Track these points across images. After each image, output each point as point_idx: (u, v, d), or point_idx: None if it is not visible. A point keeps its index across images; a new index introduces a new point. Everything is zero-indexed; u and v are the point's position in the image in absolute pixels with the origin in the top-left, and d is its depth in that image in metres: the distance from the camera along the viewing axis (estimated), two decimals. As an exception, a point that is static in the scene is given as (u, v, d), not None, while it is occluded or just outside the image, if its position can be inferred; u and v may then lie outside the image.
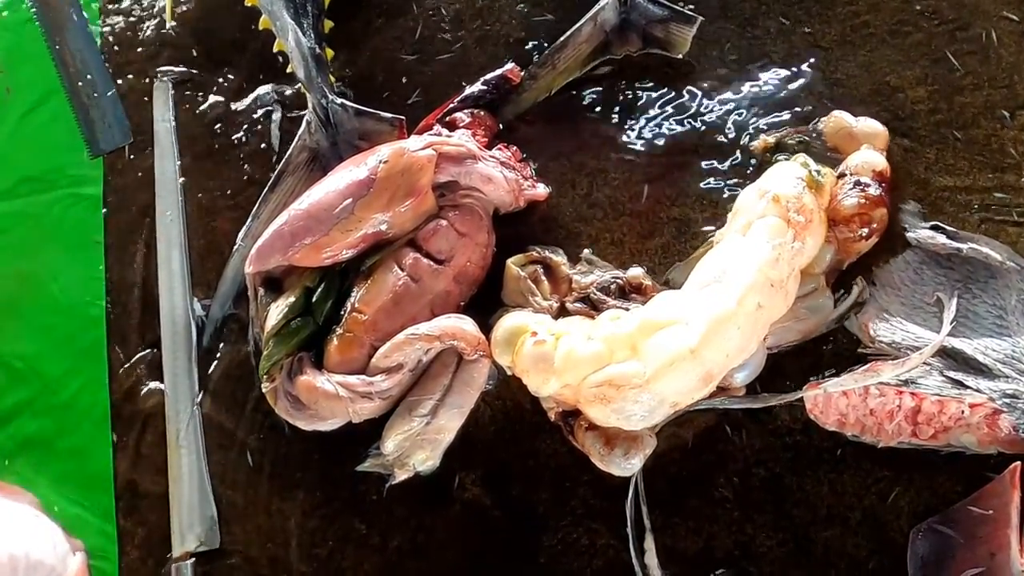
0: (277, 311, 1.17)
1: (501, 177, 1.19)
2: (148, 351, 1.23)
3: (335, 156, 1.26)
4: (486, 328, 1.12)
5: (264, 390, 1.14)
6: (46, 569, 1.01)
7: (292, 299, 1.17)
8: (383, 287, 1.15)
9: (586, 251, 1.19)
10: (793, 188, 1.09)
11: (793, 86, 1.23)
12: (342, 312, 1.15)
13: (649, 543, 1.05)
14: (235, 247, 1.26)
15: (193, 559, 1.11)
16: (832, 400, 1.07)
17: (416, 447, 1.11)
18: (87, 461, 1.19)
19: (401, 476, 1.11)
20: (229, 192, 1.30)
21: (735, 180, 1.19)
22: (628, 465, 1.05)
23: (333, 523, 1.13)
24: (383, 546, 1.11)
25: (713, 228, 1.17)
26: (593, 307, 1.14)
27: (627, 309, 1.10)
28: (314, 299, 1.17)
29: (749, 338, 1.03)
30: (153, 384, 1.21)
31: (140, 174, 1.32)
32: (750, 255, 1.04)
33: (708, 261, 1.07)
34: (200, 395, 1.20)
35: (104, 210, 1.30)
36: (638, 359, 1.02)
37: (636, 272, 1.17)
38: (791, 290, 1.06)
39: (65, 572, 1.02)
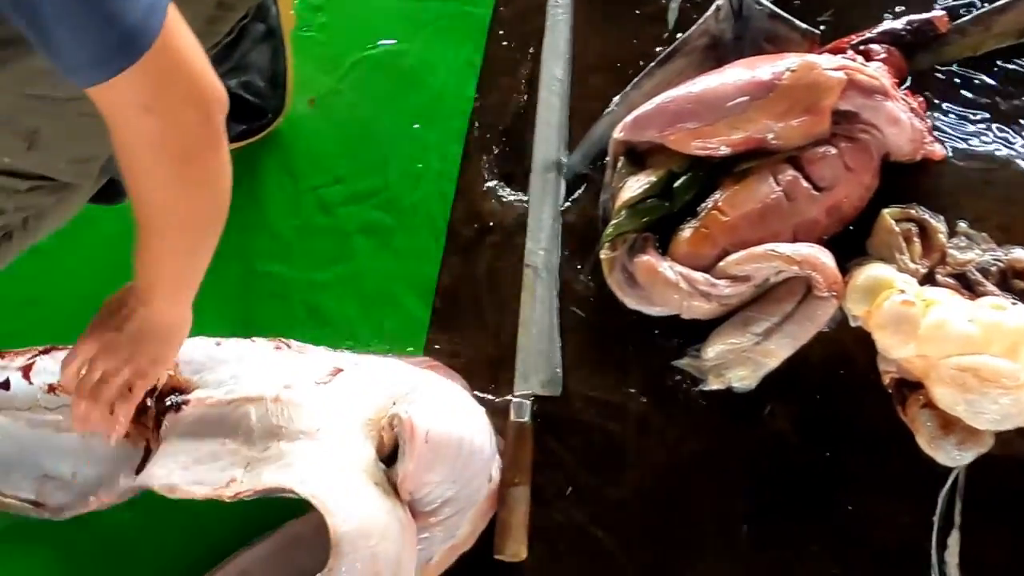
0: (636, 185, 1.16)
1: (908, 123, 1.12)
2: (498, 183, 1.25)
3: (735, 51, 1.21)
4: (841, 270, 1.08)
5: (602, 257, 1.15)
6: (483, 458, 1.07)
7: (654, 178, 1.16)
8: (753, 195, 1.11)
9: (962, 224, 1.11)
10: None
11: None
12: (701, 207, 1.13)
13: (953, 540, 1.01)
14: (607, 110, 1.25)
15: (533, 399, 1.14)
16: None
17: (738, 362, 1.09)
18: (416, 264, 1.23)
19: (714, 385, 1.10)
20: (614, 54, 1.28)
21: None
22: (957, 456, 1.00)
23: (638, 404, 1.14)
24: (677, 444, 1.11)
25: None
26: (967, 287, 1.07)
27: (1014, 302, 1.03)
28: (676, 185, 1.15)
29: None
30: (496, 215, 1.24)
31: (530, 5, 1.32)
32: None
33: None
34: (558, 244, 1.22)
35: (488, 34, 1.31)
36: (1017, 360, 0.96)
37: (1020, 254, 1.08)
38: None
39: (492, 466, 1.08)
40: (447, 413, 1.07)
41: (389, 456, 1.04)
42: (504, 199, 1.24)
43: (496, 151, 1.27)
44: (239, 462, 1.02)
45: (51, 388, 1.14)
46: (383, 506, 0.99)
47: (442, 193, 1.25)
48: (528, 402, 1.14)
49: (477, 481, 1.07)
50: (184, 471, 1.03)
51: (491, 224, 1.24)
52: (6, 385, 1.15)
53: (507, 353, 1.17)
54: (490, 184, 1.25)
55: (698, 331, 1.12)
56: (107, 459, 1.13)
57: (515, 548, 1.06)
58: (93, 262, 1.24)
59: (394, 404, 1.05)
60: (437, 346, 1.20)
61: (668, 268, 1.11)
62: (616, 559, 1.08)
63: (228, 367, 1.12)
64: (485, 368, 1.18)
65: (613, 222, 1.15)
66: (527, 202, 1.23)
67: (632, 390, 1.14)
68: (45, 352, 1.17)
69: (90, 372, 0.97)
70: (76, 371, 0.97)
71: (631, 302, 1.14)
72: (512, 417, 1.13)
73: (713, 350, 1.10)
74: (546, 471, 1.11)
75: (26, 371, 1.16)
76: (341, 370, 1.11)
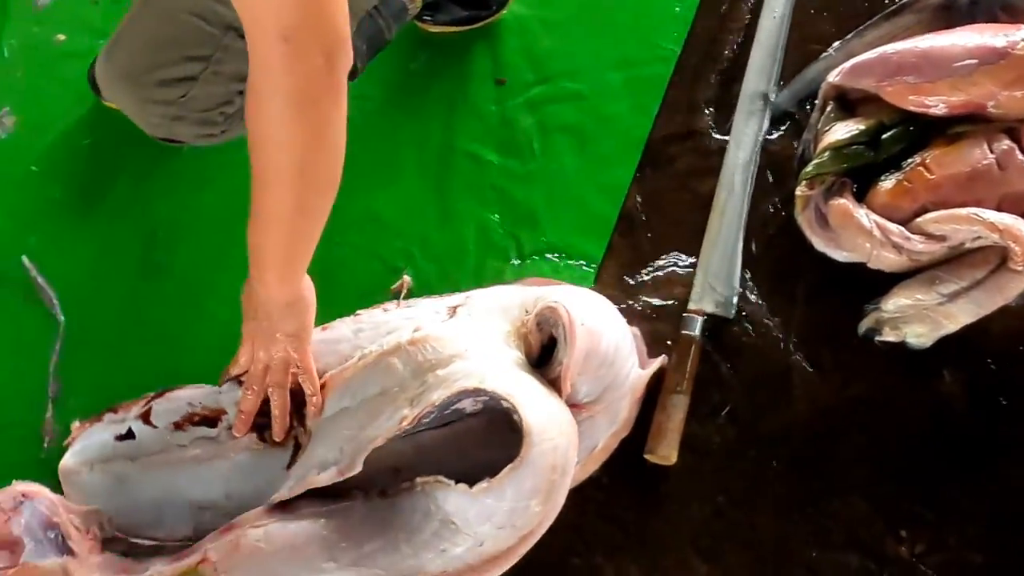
0: (844, 130, 1.16)
1: None
2: (703, 106, 1.27)
3: (968, 15, 1.20)
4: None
5: (797, 194, 1.16)
6: (629, 343, 1.11)
7: (863, 126, 1.16)
8: (964, 158, 1.11)
9: None
10: None
11: None
12: (907, 162, 1.13)
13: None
14: (824, 54, 1.25)
15: (705, 317, 1.17)
16: None
17: (918, 319, 1.10)
18: (610, 170, 1.26)
19: (888, 337, 1.11)
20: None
21: None
22: None
23: (807, 342, 1.16)
24: (841, 387, 1.13)
25: None
26: None
27: None
28: (884, 136, 1.15)
29: None
30: (696, 136, 1.26)
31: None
32: None
33: None
34: (754, 174, 1.23)
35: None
36: None
37: None
38: None
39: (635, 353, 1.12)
40: (590, 302, 1.12)
41: (538, 359, 1.09)
42: (706, 123, 1.26)
43: (706, 76, 1.28)
44: (402, 404, 1.04)
45: (177, 425, 1.16)
46: (556, 402, 1.04)
47: (645, 106, 1.28)
48: (700, 319, 1.16)
49: (628, 365, 1.11)
50: (350, 442, 1.06)
51: (689, 144, 1.26)
52: (130, 435, 1.16)
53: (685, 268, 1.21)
54: (695, 106, 1.27)
55: (877, 283, 1.13)
56: (259, 469, 1.14)
57: (666, 451, 1.10)
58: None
59: (533, 309, 1.09)
60: (617, 250, 1.23)
61: (864, 215, 1.12)
62: (758, 482, 1.11)
63: (348, 343, 1.16)
64: (670, 277, 1.21)
65: (815, 161, 1.16)
66: (728, 129, 1.25)
67: (804, 327, 1.15)
68: (158, 396, 1.17)
69: (253, 366, 1.07)
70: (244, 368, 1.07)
71: (818, 243, 1.15)
72: (683, 330, 1.16)
73: (894, 303, 1.11)
74: (707, 387, 1.14)
75: (145, 417, 1.17)
76: (458, 306, 1.15)
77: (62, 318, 1.25)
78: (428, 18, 1.30)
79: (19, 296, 1.26)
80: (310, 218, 0.92)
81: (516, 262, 1.24)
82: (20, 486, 1.09)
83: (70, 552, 1.08)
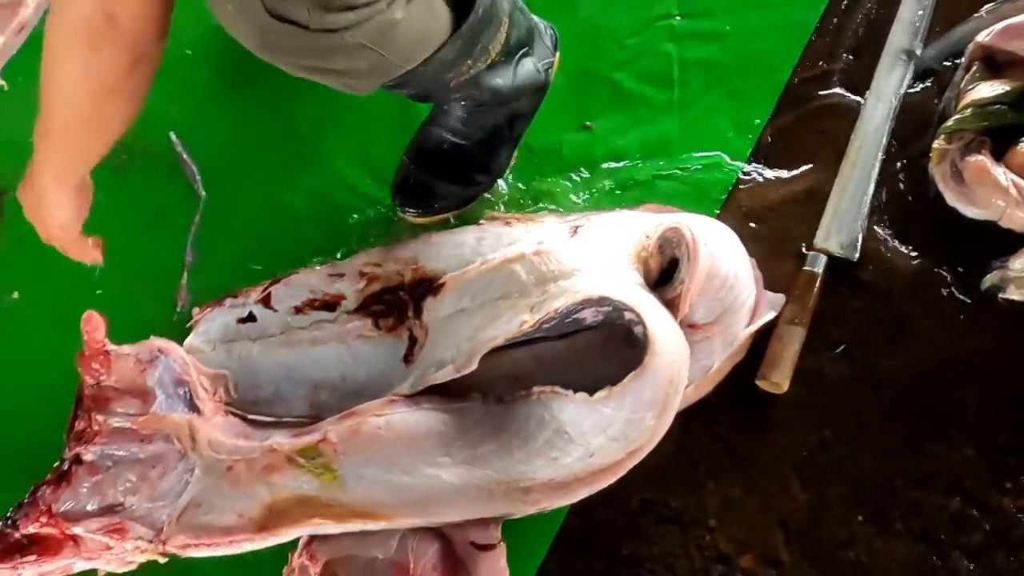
0: (989, 89, 1.17)
1: None
2: (846, 56, 1.28)
3: None
4: None
5: (935, 147, 1.17)
6: (748, 271, 1.13)
7: (1008, 87, 1.16)
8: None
9: None
10: None
11: None
12: (1051, 125, 1.14)
13: None
14: (975, 15, 1.25)
15: (827, 258, 1.18)
16: None
17: (1043, 279, 1.11)
18: (746, 106, 1.28)
19: (1013, 295, 1.11)
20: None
21: None
22: None
23: (929, 290, 1.17)
24: (959, 338, 1.14)
25: None
26: None
27: None
28: (1030, 99, 1.16)
29: None
30: (837, 83, 1.28)
31: None
32: None
33: None
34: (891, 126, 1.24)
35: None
36: None
37: None
38: None
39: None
40: (713, 227, 1.15)
41: (656, 283, 1.11)
42: (848, 72, 1.27)
43: (851, 26, 1.29)
44: (522, 310, 1.07)
45: (296, 309, 1.21)
46: (674, 321, 1.06)
47: (787, 49, 1.29)
48: (824, 257, 1.18)
49: (747, 291, 1.13)
50: (468, 341, 1.09)
51: (830, 91, 1.27)
52: (252, 318, 1.22)
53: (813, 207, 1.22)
54: (836, 54, 1.28)
55: (1003, 243, 1.13)
56: (374, 357, 1.18)
57: (779, 379, 1.12)
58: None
59: (654, 233, 1.11)
60: (744, 186, 1.25)
61: (1002, 174, 1.12)
62: (867, 420, 1.12)
63: (469, 248, 1.19)
64: (793, 215, 1.23)
65: (956, 117, 1.17)
66: (869, 80, 1.26)
67: (926, 277, 1.17)
68: (276, 283, 1.23)
69: None
70: None
71: (951, 197, 1.16)
72: (805, 266, 1.18)
73: (1021, 262, 1.12)
74: (825, 323, 1.15)
75: (265, 302, 1.22)
76: (579, 226, 1.17)
77: (203, 194, 1.31)
78: (420, 211, 1.27)
79: (163, 169, 1.33)
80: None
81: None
82: (157, 342, 1.15)
83: (196, 410, 1.14)
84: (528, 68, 1.21)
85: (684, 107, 1.29)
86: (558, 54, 1.26)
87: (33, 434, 1.21)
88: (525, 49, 1.20)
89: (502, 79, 1.19)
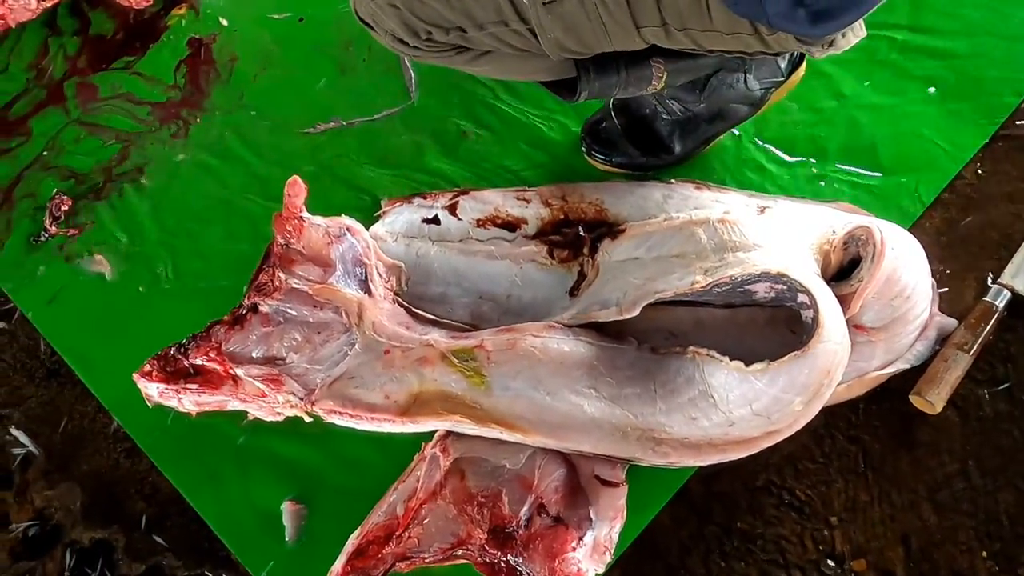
0: None
1: None
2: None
3: None
4: None
5: None
6: (928, 295, 1.13)
7: None
8: None
9: None
10: None
11: None
12: None
13: None
14: None
15: (1010, 295, 1.17)
16: None
17: None
18: (963, 128, 1.26)
19: None
20: None
21: None
22: None
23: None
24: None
25: None
26: None
27: None
28: None
29: None
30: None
31: None
32: None
33: None
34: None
35: None
36: None
37: None
38: None
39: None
40: (903, 235, 1.14)
41: (833, 277, 1.12)
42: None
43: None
44: (696, 271, 1.09)
45: (479, 222, 1.26)
46: (843, 315, 1.07)
47: (1018, 81, 1.27)
48: (1008, 293, 1.16)
49: (922, 306, 1.12)
50: (636, 289, 1.12)
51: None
52: (436, 221, 1.28)
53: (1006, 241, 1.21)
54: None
55: None
56: (541, 283, 1.23)
57: (934, 399, 1.11)
58: None
59: (842, 229, 1.11)
60: (941, 204, 1.24)
61: None
62: (1014, 461, 1.11)
63: (654, 203, 1.22)
64: (985, 245, 1.21)
65: None
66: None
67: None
68: (463, 193, 1.29)
69: None
70: None
71: None
72: (987, 297, 1.16)
73: None
74: (993, 358, 1.15)
75: (452, 209, 1.28)
76: (767, 207, 1.18)
77: (414, 98, 1.38)
78: (600, 157, 1.30)
79: (381, 70, 1.41)
80: None
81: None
82: (347, 220, 1.21)
83: (368, 292, 1.20)
84: (738, 88, 1.22)
85: (898, 119, 1.28)
86: (797, 73, 1.24)
87: (218, 277, 1.31)
88: (737, 72, 1.21)
89: (692, 96, 1.22)
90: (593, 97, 1.11)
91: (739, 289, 1.10)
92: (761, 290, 1.10)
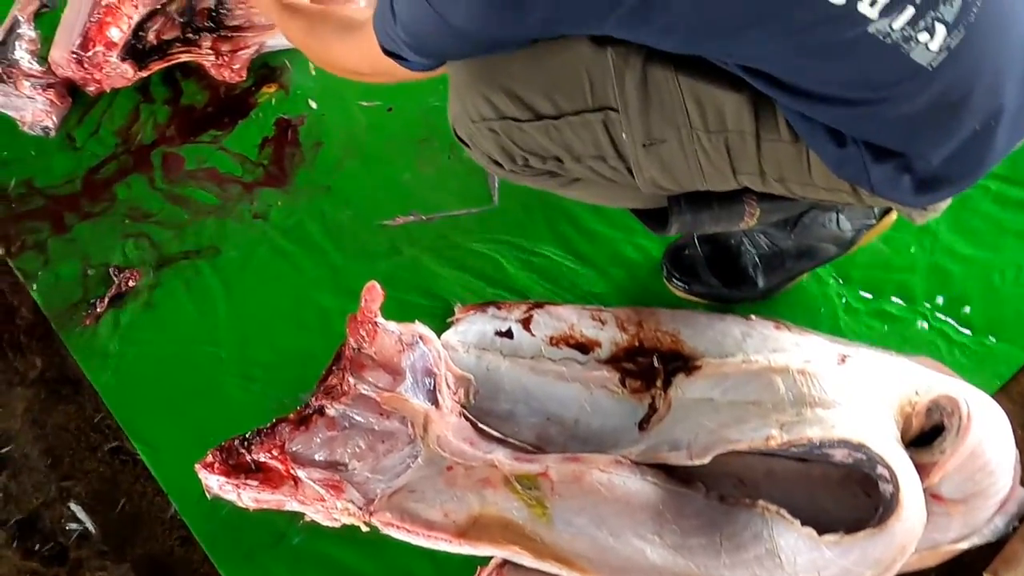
0: None
1: None
2: None
3: None
4: None
5: None
6: (1002, 482, 1.09)
7: None
8: None
9: None
10: None
11: None
12: None
13: None
14: None
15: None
16: None
17: None
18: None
19: None
20: None
21: None
22: None
23: None
24: None
25: None
26: None
27: None
28: None
29: None
30: None
31: None
32: None
33: None
34: None
35: None
36: None
37: None
38: None
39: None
40: (989, 406, 1.10)
41: (912, 441, 1.09)
42: None
43: None
44: (772, 424, 1.06)
45: (552, 341, 1.24)
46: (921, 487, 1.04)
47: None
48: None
49: (1004, 481, 1.09)
50: (709, 434, 1.10)
51: None
52: (509, 334, 1.26)
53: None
54: None
55: None
56: (611, 412, 1.21)
57: (1010, 577, 1.08)
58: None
59: (926, 393, 1.08)
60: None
61: None
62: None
63: (732, 339, 1.19)
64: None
65: None
66: None
67: None
68: (538, 307, 1.27)
69: None
70: None
71: None
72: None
73: None
74: (1079, 544, 1.10)
75: (526, 323, 1.26)
76: (847, 356, 1.15)
77: (496, 202, 1.38)
78: (680, 284, 1.28)
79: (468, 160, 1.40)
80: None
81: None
82: (420, 328, 1.21)
83: (436, 403, 1.19)
84: (830, 227, 1.21)
85: (990, 273, 1.25)
86: (890, 216, 1.22)
87: (285, 369, 1.31)
88: (829, 212, 1.20)
89: (782, 232, 1.21)
90: (684, 231, 1.10)
91: (815, 451, 1.07)
92: (839, 455, 1.07)
